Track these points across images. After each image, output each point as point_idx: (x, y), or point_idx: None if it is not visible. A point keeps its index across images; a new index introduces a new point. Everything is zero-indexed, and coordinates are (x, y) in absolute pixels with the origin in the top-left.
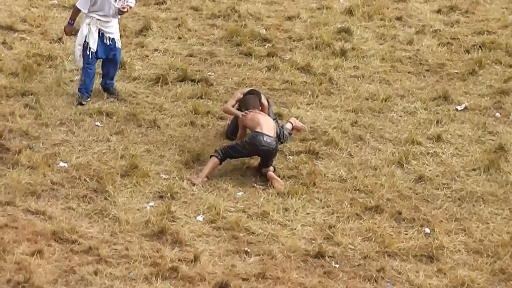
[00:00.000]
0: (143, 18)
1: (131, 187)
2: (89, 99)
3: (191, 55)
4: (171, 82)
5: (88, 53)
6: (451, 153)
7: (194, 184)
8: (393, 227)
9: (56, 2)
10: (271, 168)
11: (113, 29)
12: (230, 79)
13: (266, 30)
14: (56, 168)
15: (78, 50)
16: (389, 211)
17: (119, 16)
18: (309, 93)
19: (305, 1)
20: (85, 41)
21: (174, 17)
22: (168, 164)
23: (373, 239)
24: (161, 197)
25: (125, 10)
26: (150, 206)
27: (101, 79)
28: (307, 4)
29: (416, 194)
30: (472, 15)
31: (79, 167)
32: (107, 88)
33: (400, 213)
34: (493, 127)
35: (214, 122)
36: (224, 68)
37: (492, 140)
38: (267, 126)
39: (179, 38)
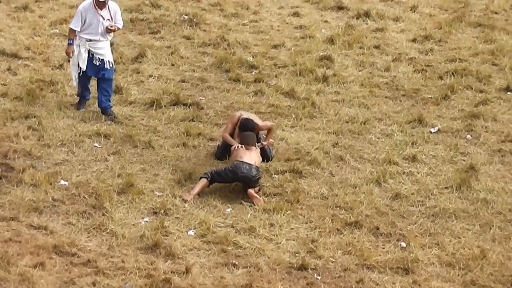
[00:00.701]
0: (138, 46)
1: (127, 204)
2: (84, 109)
3: (183, 81)
4: (164, 106)
5: (79, 71)
6: (425, 172)
7: (185, 201)
8: (371, 241)
9: (58, 31)
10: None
11: (102, 51)
12: (219, 103)
13: (253, 57)
14: (57, 186)
15: (74, 71)
16: (367, 226)
17: (110, 37)
18: (293, 116)
19: (289, 31)
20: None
21: (168, 45)
22: (162, 182)
23: (353, 253)
24: (155, 213)
25: (113, 28)
26: (144, 222)
27: (97, 102)
28: (291, 33)
29: (393, 210)
30: (445, 44)
31: (78, 185)
32: (105, 110)
33: (378, 228)
34: (464, 148)
35: (205, 143)
36: (214, 93)
37: (464, 161)
38: (248, 157)
39: (172, 65)
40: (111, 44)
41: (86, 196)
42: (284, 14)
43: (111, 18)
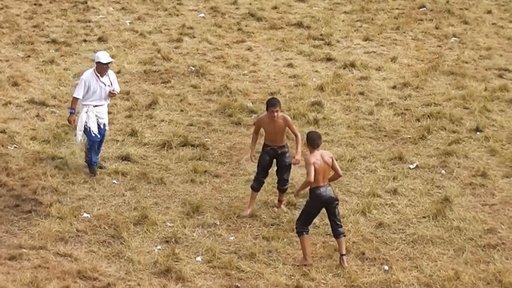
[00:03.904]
0: (151, 95)
1: (142, 234)
2: (97, 173)
3: (191, 125)
4: (174, 147)
5: (93, 135)
6: (405, 203)
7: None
8: (358, 265)
9: None
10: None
11: (103, 115)
12: (223, 144)
13: (252, 103)
14: (80, 218)
15: (79, 135)
16: (354, 252)
17: (109, 100)
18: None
19: (284, 80)
20: (85, 126)
21: (177, 93)
22: (173, 214)
23: (341, 275)
24: (167, 241)
25: (114, 93)
26: (158, 249)
27: (86, 158)
28: (286, 82)
29: (377, 237)
30: (422, 90)
31: (99, 217)
32: (94, 166)
33: (363, 254)
34: (439, 182)
35: (210, 179)
36: (218, 135)
37: (439, 193)
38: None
39: (181, 110)
40: (128, 93)
41: (106, 227)
42: (279, 65)
43: (111, 84)
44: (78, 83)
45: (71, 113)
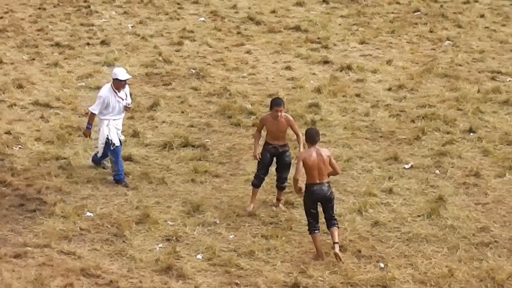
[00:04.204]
0: (153, 96)
1: (144, 232)
2: (100, 167)
3: (192, 126)
4: (175, 148)
5: (113, 148)
6: (400, 203)
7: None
8: (354, 263)
9: (84, 84)
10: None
11: (120, 126)
12: (223, 145)
13: (251, 105)
14: (84, 217)
15: (101, 148)
16: (351, 249)
17: (124, 113)
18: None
19: (282, 82)
20: (107, 139)
21: (178, 96)
22: (174, 213)
23: (338, 272)
24: (168, 240)
25: (129, 107)
26: (159, 247)
27: (93, 155)
28: (284, 84)
29: (373, 236)
30: (416, 92)
31: (102, 216)
32: (99, 163)
33: (360, 251)
34: (434, 181)
35: (210, 179)
36: (218, 136)
37: (433, 192)
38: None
39: (182, 112)
40: (130, 95)
41: (108, 226)
42: (278, 68)
43: (126, 97)
44: (96, 100)
45: (87, 127)
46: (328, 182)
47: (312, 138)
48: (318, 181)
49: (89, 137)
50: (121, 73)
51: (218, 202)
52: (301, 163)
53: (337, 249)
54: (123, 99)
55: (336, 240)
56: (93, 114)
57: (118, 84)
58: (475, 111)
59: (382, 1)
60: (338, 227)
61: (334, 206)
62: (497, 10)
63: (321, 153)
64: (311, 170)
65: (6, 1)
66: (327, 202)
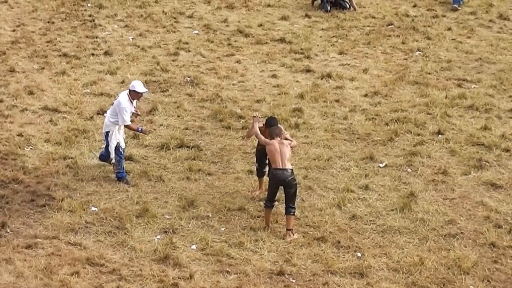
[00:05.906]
0: (151, 102)
1: (143, 225)
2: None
3: (187, 128)
4: (172, 148)
5: (120, 150)
6: (375, 198)
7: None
8: (334, 253)
9: (89, 91)
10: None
11: (123, 129)
12: (215, 146)
13: (241, 110)
14: (89, 212)
15: (113, 151)
16: (331, 240)
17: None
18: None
19: (269, 89)
20: (118, 143)
21: (174, 101)
22: (171, 208)
23: (320, 261)
24: (165, 232)
25: (139, 114)
26: (157, 239)
27: (99, 154)
28: (270, 91)
29: (351, 228)
30: (390, 98)
31: (106, 211)
32: (106, 160)
33: (339, 242)
34: (406, 179)
35: (204, 177)
36: (210, 138)
37: (405, 188)
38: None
39: (178, 116)
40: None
41: (111, 219)
42: (264, 76)
43: (135, 105)
44: (123, 112)
45: (139, 130)
46: (291, 170)
47: (272, 132)
48: (280, 166)
49: (148, 133)
50: (139, 86)
51: (211, 198)
52: (262, 137)
53: (287, 236)
54: (134, 107)
55: (290, 227)
56: (129, 124)
57: (135, 95)
58: (443, 115)
59: (358, 16)
60: (293, 215)
61: (296, 196)
62: (462, 24)
63: (282, 143)
64: (276, 155)
65: (18, 16)
66: (288, 186)
